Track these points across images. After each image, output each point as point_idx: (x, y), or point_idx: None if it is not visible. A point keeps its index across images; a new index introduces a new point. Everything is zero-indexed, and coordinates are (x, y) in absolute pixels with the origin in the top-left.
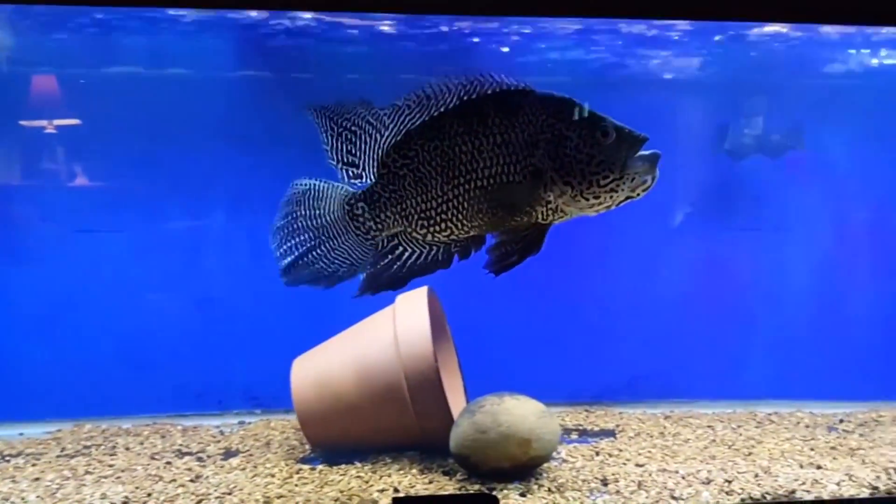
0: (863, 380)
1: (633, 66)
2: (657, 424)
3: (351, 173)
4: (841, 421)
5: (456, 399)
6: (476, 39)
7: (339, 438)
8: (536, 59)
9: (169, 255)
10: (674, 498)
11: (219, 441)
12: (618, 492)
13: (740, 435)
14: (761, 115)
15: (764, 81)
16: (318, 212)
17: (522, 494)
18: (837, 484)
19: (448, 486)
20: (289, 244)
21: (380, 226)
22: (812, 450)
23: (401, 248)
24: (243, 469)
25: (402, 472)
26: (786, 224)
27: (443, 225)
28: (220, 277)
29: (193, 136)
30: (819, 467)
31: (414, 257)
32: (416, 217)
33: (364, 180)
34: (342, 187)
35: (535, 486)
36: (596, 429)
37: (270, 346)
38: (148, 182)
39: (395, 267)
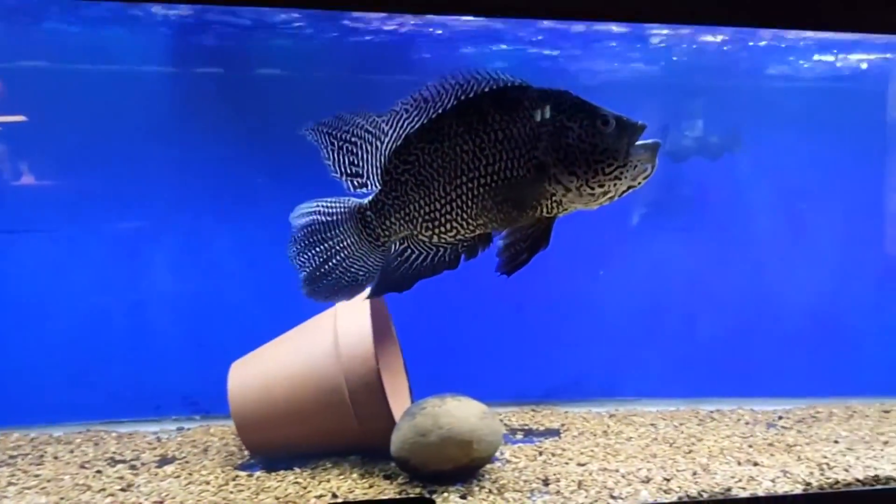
0: (803, 377)
1: (570, 68)
2: (601, 423)
3: (356, 183)
4: (780, 418)
5: (400, 401)
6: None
7: (278, 444)
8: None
9: (105, 256)
10: (613, 497)
11: (155, 448)
12: (558, 492)
13: (682, 433)
14: (700, 118)
15: (702, 84)
16: (331, 221)
17: (463, 497)
18: (772, 481)
19: (389, 490)
20: (304, 258)
21: (387, 232)
22: (750, 447)
23: (409, 251)
24: (178, 476)
25: (342, 476)
26: (726, 224)
27: (448, 226)
28: (159, 280)
29: (125, 135)
30: (756, 464)
31: (421, 259)
32: (420, 220)
33: (370, 188)
34: (350, 200)
35: (477, 488)
36: (541, 428)
37: (210, 350)
38: (78, 182)
39: (403, 268)
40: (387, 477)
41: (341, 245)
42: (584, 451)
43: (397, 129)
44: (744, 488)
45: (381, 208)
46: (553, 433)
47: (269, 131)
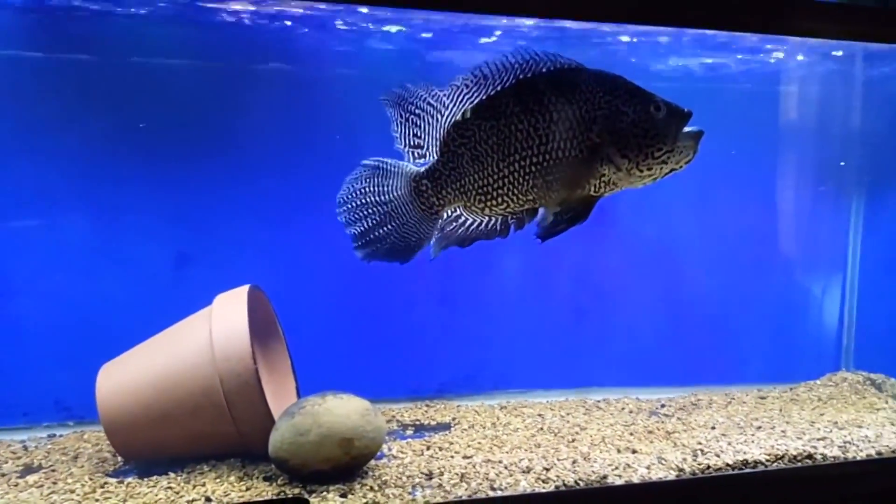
0: (687, 366)
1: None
2: (492, 415)
3: (416, 154)
4: (663, 406)
5: (286, 402)
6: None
7: (151, 448)
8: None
9: None
10: (493, 489)
11: (20, 457)
12: (440, 485)
13: (567, 422)
14: None
15: None
16: (385, 188)
17: (343, 495)
18: (647, 468)
19: (268, 492)
20: (359, 220)
21: (441, 201)
22: (631, 434)
23: (463, 217)
24: (40, 486)
25: (218, 480)
26: (611, 220)
27: (499, 199)
28: (29, 279)
29: None
30: (634, 452)
31: (475, 224)
32: (474, 193)
33: (428, 159)
34: (407, 165)
35: (358, 486)
36: (433, 423)
37: (83, 353)
38: None
39: (461, 231)
40: (266, 478)
41: (396, 211)
42: (472, 443)
43: (457, 103)
44: (619, 476)
45: (438, 178)
46: (444, 427)
47: (136, 122)
